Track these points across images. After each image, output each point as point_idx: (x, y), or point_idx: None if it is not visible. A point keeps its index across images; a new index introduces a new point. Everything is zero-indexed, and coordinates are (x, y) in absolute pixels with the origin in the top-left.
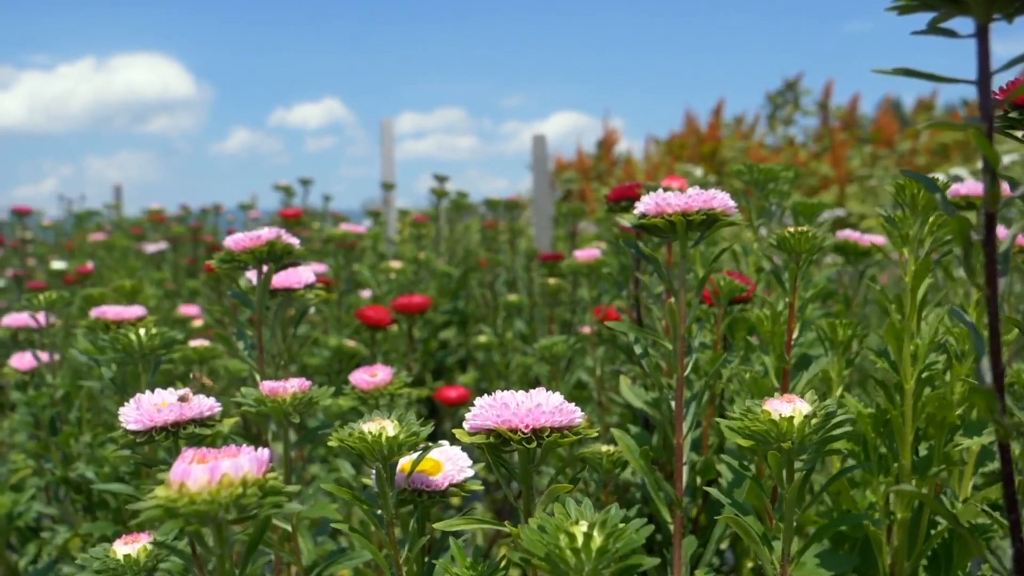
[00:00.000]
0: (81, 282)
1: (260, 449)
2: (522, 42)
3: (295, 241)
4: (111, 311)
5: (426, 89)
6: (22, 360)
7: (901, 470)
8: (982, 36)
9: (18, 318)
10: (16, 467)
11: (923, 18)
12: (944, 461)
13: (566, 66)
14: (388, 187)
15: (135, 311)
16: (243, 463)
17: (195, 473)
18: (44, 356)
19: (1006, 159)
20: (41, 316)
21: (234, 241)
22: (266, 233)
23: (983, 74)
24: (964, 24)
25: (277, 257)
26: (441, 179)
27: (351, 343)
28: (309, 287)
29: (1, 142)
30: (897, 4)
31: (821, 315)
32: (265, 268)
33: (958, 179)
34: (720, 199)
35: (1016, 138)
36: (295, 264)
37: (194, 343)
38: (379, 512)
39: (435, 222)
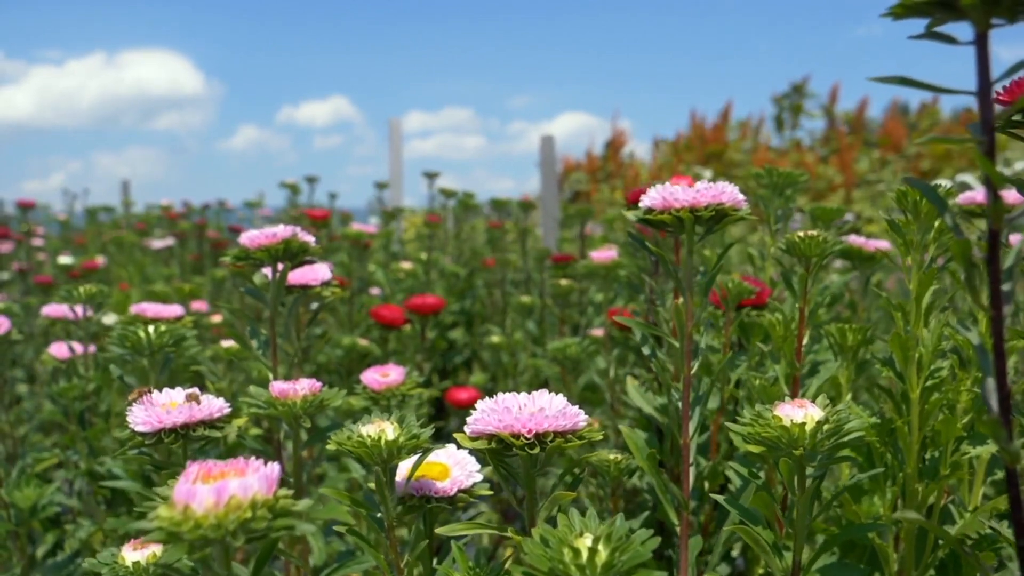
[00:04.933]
0: (88, 277)
1: (269, 464)
2: (530, 42)
3: (311, 239)
4: (151, 308)
5: (433, 88)
6: (60, 349)
7: (907, 479)
8: (981, 44)
9: (59, 308)
10: (41, 458)
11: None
12: (951, 469)
13: (573, 67)
14: (396, 186)
15: (174, 310)
16: (252, 483)
17: (200, 495)
18: (78, 348)
19: (1018, 165)
20: (79, 309)
21: (249, 239)
22: (282, 231)
23: (983, 84)
24: (964, 29)
25: (293, 255)
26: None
27: (364, 342)
28: (326, 284)
29: (10, 136)
30: (891, 10)
31: (830, 320)
32: (280, 266)
33: (965, 185)
34: (729, 193)
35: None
36: (311, 262)
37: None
38: (379, 516)
39: (443, 222)
